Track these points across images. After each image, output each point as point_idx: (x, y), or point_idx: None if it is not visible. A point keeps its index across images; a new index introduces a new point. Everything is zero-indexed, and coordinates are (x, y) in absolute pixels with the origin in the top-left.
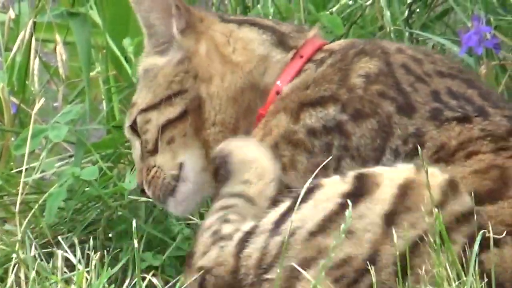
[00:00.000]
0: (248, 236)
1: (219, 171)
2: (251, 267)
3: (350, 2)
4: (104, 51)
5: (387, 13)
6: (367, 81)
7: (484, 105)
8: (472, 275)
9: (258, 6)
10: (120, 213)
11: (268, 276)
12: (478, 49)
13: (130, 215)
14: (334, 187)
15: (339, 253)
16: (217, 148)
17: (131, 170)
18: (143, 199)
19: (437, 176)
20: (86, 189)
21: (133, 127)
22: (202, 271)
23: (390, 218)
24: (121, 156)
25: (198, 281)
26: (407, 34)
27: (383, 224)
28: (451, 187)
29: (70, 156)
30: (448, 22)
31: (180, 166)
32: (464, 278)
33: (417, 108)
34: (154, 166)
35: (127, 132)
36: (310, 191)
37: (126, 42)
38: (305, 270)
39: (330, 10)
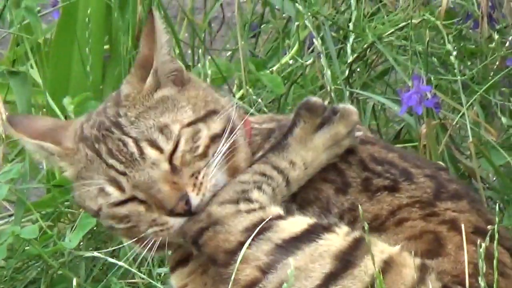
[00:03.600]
0: (263, 228)
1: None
2: (241, 270)
3: (291, 62)
4: (44, 109)
5: (328, 72)
6: None
7: (407, 167)
8: None
9: (199, 65)
10: (60, 272)
11: None
12: (418, 108)
13: (70, 274)
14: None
15: None
16: (308, 103)
17: (71, 229)
18: (85, 256)
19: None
20: (27, 248)
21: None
22: (208, 220)
23: None
24: (61, 215)
25: (193, 232)
26: (347, 93)
27: None
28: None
29: (10, 215)
30: (389, 81)
31: None
32: None
33: (351, 183)
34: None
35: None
36: (314, 232)
37: (66, 101)
38: None
39: (270, 70)
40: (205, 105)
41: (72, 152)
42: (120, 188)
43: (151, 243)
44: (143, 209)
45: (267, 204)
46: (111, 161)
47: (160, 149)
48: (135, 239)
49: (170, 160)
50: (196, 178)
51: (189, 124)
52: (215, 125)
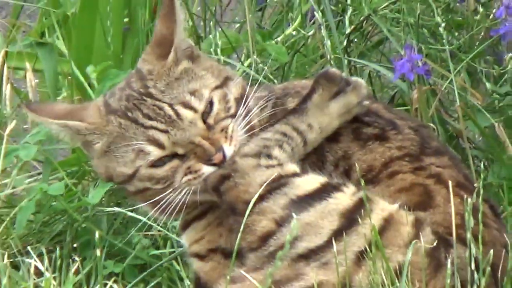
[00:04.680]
0: (280, 183)
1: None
2: (258, 221)
3: (294, 33)
4: (70, 77)
5: (328, 43)
6: None
7: (392, 118)
8: (405, 281)
9: (210, 36)
10: (84, 225)
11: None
12: (410, 75)
13: (93, 227)
14: (341, 200)
15: (313, 279)
16: (327, 73)
17: (94, 186)
18: (106, 211)
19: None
20: (53, 203)
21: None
22: (230, 168)
23: (364, 253)
24: (85, 173)
25: (216, 179)
26: (345, 61)
27: (356, 258)
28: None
29: (39, 173)
30: (383, 50)
31: None
32: (398, 284)
33: (341, 132)
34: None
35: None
36: (325, 191)
37: (89, 69)
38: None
39: (275, 40)
40: (219, 73)
41: (102, 125)
42: (160, 146)
43: (183, 192)
44: (178, 163)
45: (285, 161)
46: (151, 123)
47: (194, 109)
48: (160, 204)
49: (204, 118)
50: (226, 132)
51: (216, 87)
52: (234, 89)
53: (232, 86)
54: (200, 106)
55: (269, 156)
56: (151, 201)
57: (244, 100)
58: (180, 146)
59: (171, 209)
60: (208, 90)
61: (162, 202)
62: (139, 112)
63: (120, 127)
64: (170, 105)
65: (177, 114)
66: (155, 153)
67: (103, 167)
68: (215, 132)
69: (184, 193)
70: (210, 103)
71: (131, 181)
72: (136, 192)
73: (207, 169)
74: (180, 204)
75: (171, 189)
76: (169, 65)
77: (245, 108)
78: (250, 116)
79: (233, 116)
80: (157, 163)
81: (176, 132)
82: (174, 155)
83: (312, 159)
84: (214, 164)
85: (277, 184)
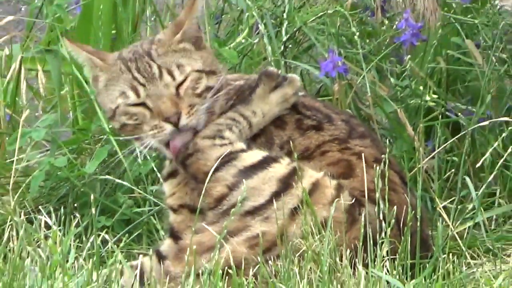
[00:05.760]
0: (230, 157)
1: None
2: (214, 187)
3: (243, 41)
4: (70, 76)
5: (269, 48)
6: None
7: (329, 113)
8: (329, 231)
9: None
10: (82, 189)
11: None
12: (333, 72)
13: (89, 191)
14: (278, 169)
15: (257, 230)
16: (267, 71)
17: (90, 159)
18: (99, 178)
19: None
20: (59, 173)
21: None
22: (193, 148)
23: (297, 210)
24: (83, 150)
25: (182, 156)
26: (282, 63)
27: (290, 213)
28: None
29: (47, 150)
30: (312, 54)
31: None
32: (324, 233)
33: (288, 122)
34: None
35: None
36: (266, 162)
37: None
38: (232, 237)
39: (229, 46)
40: (210, 65)
41: (110, 66)
42: (137, 94)
43: (148, 142)
44: (149, 115)
45: (235, 141)
46: (137, 75)
47: (173, 77)
48: (136, 136)
49: (177, 88)
50: (191, 108)
51: (197, 71)
52: (212, 80)
53: (212, 77)
54: (179, 77)
55: (222, 137)
56: (132, 137)
57: (214, 92)
58: (150, 100)
59: (147, 147)
60: (190, 68)
61: (142, 142)
62: (134, 64)
63: (118, 70)
64: (159, 66)
65: (160, 75)
66: (132, 98)
67: (103, 103)
68: (181, 102)
69: (152, 140)
70: (186, 79)
71: (114, 116)
72: (120, 128)
73: (167, 127)
74: (150, 147)
75: (143, 135)
76: (174, 41)
77: (213, 98)
78: (213, 101)
79: (199, 96)
80: (132, 106)
81: (152, 87)
82: (146, 107)
83: (263, 142)
84: (170, 122)
85: (228, 158)
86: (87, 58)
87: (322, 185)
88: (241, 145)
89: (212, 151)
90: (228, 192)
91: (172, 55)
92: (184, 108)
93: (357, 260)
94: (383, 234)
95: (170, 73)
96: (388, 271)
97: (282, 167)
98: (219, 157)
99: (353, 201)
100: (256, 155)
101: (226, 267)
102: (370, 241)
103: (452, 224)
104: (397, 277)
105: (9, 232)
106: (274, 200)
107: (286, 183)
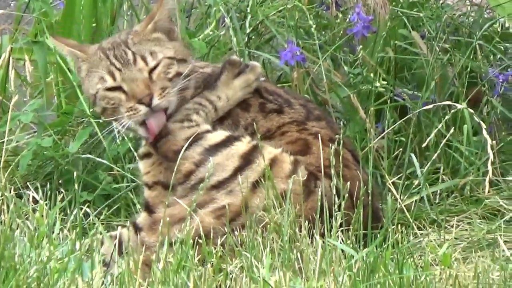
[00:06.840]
0: (197, 137)
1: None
2: (183, 164)
3: (211, 33)
4: (55, 65)
5: (234, 39)
6: None
7: (288, 98)
8: (289, 204)
9: None
10: (66, 167)
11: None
12: (291, 61)
13: (72, 169)
14: (240, 146)
15: (222, 202)
16: (230, 60)
17: (73, 140)
18: (82, 157)
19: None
20: (45, 152)
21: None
22: (164, 131)
23: (258, 183)
24: (67, 131)
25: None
26: (246, 52)
27: (252, 187)
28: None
29: (34, 132)
30: (273, 44)
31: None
32: (284, 206)
33: (252, 105)
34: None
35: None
36: (229, 141)
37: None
38: (200, 208)
39: (198, 38)
40: (181, 54)
41: (90, 56)
42: (114, 78)
43: (125, 122)
44: (124, 98)
45: (201, 123)
46: (114, 61)
47: (146, 63)
48: (115, 117)
49: (150, 72)
50: (163, 91)
51: (169, 57)
52: (182, 67)
53: (182, 65)
54: (151, 63)
55: (189, 120)
56: (111, 119)
57: (184, 77)
58: (126, 83)
59: (125, 127)
60: (162, 55)
61: (120, 123)
62: (112, 52)
63: (98, 59)
64: (133, 53)
65: (134, 61)
66: (109, 82)
67: (86, 91)
68: (154, 85)
69: (129, 121)
70: (159, 64)
71: (96, 101)
72: (101, 112)
73: (141, 108)
74: (128, 128)
75: (120, 116)
76: (147, 30)
77: (183, 83)
78: (182, 84)
79: (170, 80)
80: (109, 90)
81: (127, 71)
82: (122, 90)
83: (230, 124)
84: (143, 103)
85: (195, 138)
86: (69, 52)
87: (280, 160)
88: (207, 127)
89: (181, 133)
90: (195, 169)
91: (146, 43)
92: (156, 90)
93: (314, 230)
94: (337, 207)
95: (144, 59)
96: (342, 240)
97: (243, 145)
98: (187, 138)
99: (307, 174)
100: (220, 135)
101: (196, 237)
102: (326, 213)
103: (400, 198)
104: (351, 246)
105: (0, 206)
106: (237, 175)
107: (247, 159)
